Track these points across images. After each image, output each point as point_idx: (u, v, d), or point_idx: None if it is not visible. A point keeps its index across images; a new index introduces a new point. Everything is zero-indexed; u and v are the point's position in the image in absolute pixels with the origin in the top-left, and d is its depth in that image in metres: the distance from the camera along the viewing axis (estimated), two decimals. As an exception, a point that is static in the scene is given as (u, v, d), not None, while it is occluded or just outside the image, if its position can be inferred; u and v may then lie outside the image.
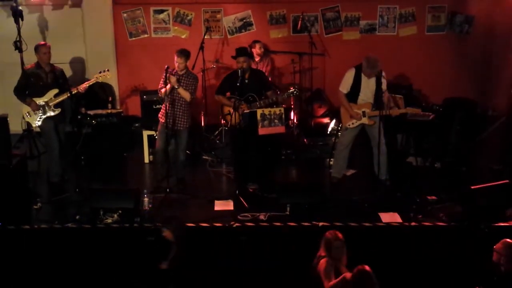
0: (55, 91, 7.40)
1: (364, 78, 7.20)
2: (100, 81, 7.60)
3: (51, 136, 7.47)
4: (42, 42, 7.55)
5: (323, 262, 5.06)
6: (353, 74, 7.28)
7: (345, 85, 7.34)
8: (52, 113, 7.42)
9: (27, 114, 7.48)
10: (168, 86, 7.11)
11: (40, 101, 7.38)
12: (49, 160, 7.61)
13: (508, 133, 8.35)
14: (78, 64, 9.70)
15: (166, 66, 7.04)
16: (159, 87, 7.30)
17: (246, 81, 7.25)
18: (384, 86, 7.19)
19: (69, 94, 7.29)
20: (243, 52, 7.41)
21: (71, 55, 9.48)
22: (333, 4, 9.95)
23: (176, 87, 7.11)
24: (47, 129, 7.47)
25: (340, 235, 5.11)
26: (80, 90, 7.40)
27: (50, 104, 7.40)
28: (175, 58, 7.17)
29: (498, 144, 8.35)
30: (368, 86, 7.20)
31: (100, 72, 7.53)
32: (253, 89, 7.34)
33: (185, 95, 7.18)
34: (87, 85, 7.44)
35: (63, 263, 6.19)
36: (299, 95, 9.68)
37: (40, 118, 7.41)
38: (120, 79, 9.74)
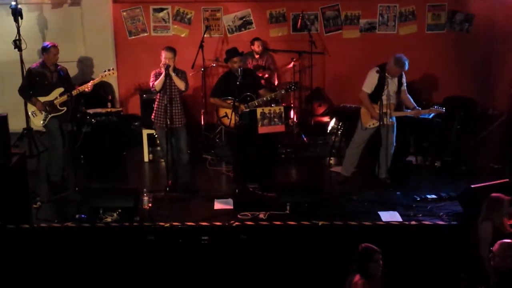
0: (60, 90, 7.32)
1: (387, 79, 7.08)
2: (105, 80, 7.53)
3: (56, 136, 7.39)
4: (52, 43, 7.38)
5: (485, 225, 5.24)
6: (378, 74, 7.12)
7: (370, 86, 7.19)
8: (58, 112, 7.34)
9: (32, 115, 7.39)
10: (162, 75, 7.04)
11: (46, 100, 7.29)
12: (51, 159, 7.55)
13: (508, 132, 8.34)
14: (78, 63, 9.70)
15: (166, 65, 7.01)
16: (152, 84, 7.23)
17: (242, 80, 7.23)
18: (404, 86, 7.20)
19: (68, 94, 7.21)
20: (237, 52, 7.39)
21: (70, 54, 9.43)
22: (333, 3, 9.94)
23: (173, 74, 7.06)
24: (52, 129, 7.38)
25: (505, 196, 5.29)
26: (87, 89, 7.33)
27: (56, 103, 7.31)
28: (164, 54, 7.08)
29: (498, 143, 8.35)
30: (391, 87, 7.10)
31: (105, 71, 7.45)
32: (248, 88, 7.32)
33: (181, 83, 7.13)
34: (93, 83, 7.36)
35: (63, 262, 6.18)
36: (299, 94, 9.74)
37: (46, 117, 7.32)
38: (119, 78, 9.71)
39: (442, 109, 7.22)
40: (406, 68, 7.05)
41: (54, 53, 7.29)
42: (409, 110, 7.34)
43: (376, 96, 7.15)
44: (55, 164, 7.48)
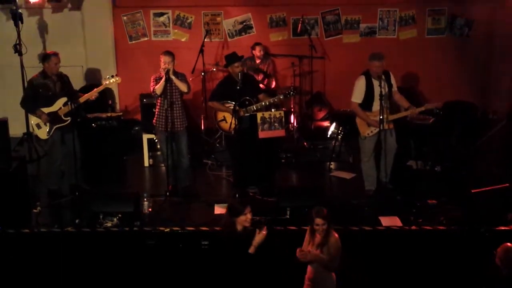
0: (64, 99, 7.14)
1: (375, 83, 7.00)
2: (109, 86, 7.42)
3: (57, 148, 7.27)
4: (53, 52, 7.23)
5: None
6: (364, 81, 7.07)
7: (359, 95, 7.13)
8: (62, 123, 7.17)
9: (36, 126, 7.21)
10: (163, 79, 7.05)
11: (50, 111, 7.13)
12: (49, 169, 7.49)
13: (509, 136, 8.33)
14: (78, 68, 9.70)
15: (167, 69, 7.01)
16: (152, 88, 7.22)
17: (242, 85, 7.23)
18: (394, 87, 7.16)
19: (74, 105, 7.10)
20: (237, 57, 7.40)
21: (71, 58, 9.41)
22: (333, 7, 9.96)
23: (173, 77, 7.06)
24: (53, 140, 7.25)
25: None
26: (92, 98, 7.20)
27: (60, 113, 7.16)
28: (163, 59, 7.07)
29: (498, 147, 8.34)
30: (382, 90, 6.95)
31: (108, 78, 7.26)
32: (247, 93, 7.33)
33: (182, 85, 7.13)
34: (97, 91, 7.21)
35: (63, 267, 6.17)
36: (299, 99, 9.74)
37: (51, 129, 7.17)
38: (120, 82, 9.72)
39: (438, 104, 7.20)
40: (382, 59, 6.98)
41: (55, 62, 7.11)
42: (404, 110, 7.28)
43: (368, 102, 7.11)
44: (52, 175, 7.43)
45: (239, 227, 5.00)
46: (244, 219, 4.98)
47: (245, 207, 5.01)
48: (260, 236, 4.94)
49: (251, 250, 4.92)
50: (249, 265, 4.91)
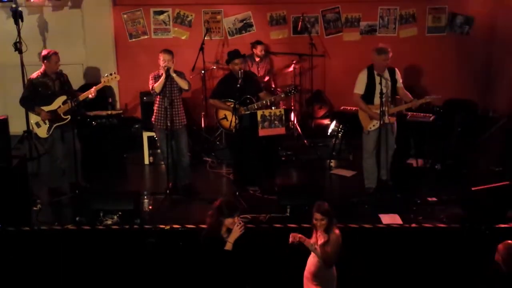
0: (63, 98, 7.14)
1: (377, 79, 6.96)
2: (108, 84, 7.39)
3: (56, 146, 7.27)
4: (53, 51, 7.21)
5: None
6: (366, 74, 7.08)
7: (360, 86, 7.12)
8: (62, 121, 7.17)
9: (36, 125, 7.22)
10: (163, 77, 7.03)
11: (49, 109, 7.13)
12: (50, 167, 7.48)
13: (509, 134, 8.33)
14: (78, 66, 9.70)
15: (167, 67, 7.00)
16: (151, 86, 7.20)
17: (242, 83, 7.22)
18: (399, 83, 7.14)
19: (74, 101, 7.12)
20: (239, 54, 7.39)
21: (71, 57, 9.43)
22: (334, 5, 9.95)
23: (174, 75, 7.04)
24: (52, 139, 7.25)
25: None
26: (90, 96, 7.15)
27: (59, 112, 7.16)
28: (162, 57, 7.02)
29: (498, 145, 8.34)
30: (383, 84, 6.92)
31: (107, 75, 7.21)
32: (248, 91, 7.32)
33: (183, 83, 7.11)
34: (96, 89, 7.15)
35: (63, 264, 6.18)
36: (300, 97, 9.74)
37: (51, 127, 7.16)
38: (120, 80, 9.62)
39: (439, 96, 7.21)
40: (388, 53, 6.97)
41: (55, 60, 7.12)
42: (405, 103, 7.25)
43: (369, 96, 7.10)
44: (54, 171, 7.42)
45: (223, 228, 4.92)
46: (231, 222, 4.88)
47: (234, 211, 4.91)
48: (235, 232, 4.84)
49: (227, 247, 4.83)
50: (226, 262, 4.84)
